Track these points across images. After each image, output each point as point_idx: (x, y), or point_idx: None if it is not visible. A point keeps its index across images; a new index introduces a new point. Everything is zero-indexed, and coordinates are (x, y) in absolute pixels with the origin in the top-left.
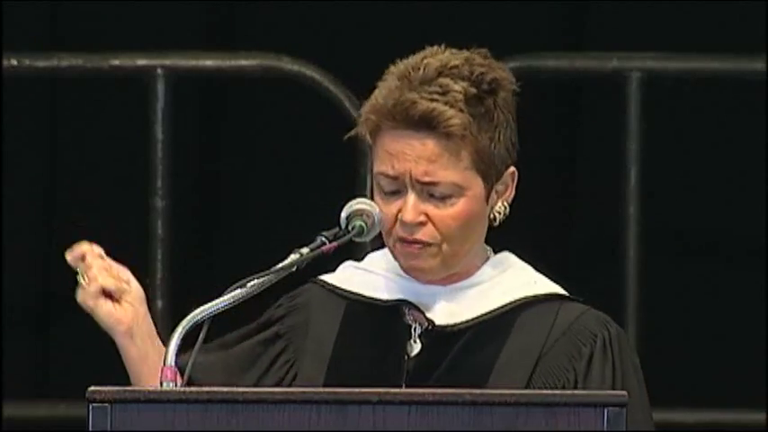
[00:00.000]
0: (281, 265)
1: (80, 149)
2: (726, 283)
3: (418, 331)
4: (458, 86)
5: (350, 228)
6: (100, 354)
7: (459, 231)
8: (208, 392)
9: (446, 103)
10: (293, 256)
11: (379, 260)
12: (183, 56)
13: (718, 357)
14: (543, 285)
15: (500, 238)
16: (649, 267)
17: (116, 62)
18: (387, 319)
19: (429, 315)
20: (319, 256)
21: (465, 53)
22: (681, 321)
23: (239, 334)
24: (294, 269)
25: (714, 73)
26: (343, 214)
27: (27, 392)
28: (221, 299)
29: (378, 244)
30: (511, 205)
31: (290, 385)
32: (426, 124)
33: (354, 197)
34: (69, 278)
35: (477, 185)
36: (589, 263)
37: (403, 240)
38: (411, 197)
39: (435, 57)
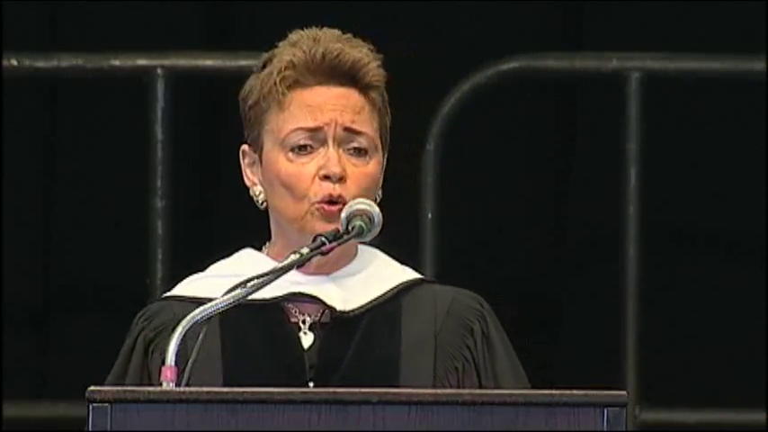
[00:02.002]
0: (281, 265)
1: (80, 149)
2: (726, 282)
3: (308, 322)
4: (364, 48)
5: (350, 228)
6: (100, 354)
7: (368, 194)
8: (208, 392)
9: (368, 55)
10: (293, 256)
11: (240, 265)
12: (183, 56)
13: (718, 357)
14: (411, 272)
15: (500, 237)
16: (649, 267)
17: (116, 62)
18: (271, 317)
19: (328, 301)
20: (319, 256)
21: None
22: (681, 321)
23: (118, 375)
24: (294, 269)
25: (714, 73)
26: (343, 214)
27: (27, 392)
28: (221, 299)
29: (376, 243)
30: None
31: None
32: (353, 75)
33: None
34: (69, 278)
35: (380, 153)
36: (589, 263)
37: (324, 201)
38: (332, 150)
39: (316, 29)
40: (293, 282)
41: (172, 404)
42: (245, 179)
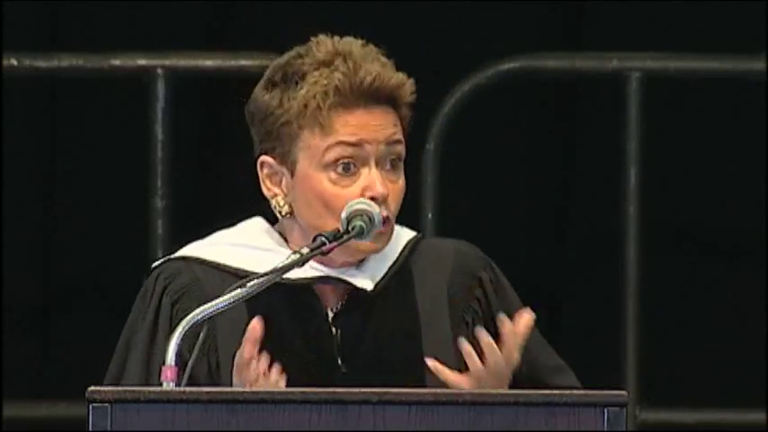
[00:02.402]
0: (281, 265)
1: (80, 149)
2: (726, 282)
3: (334, 305)
4: (388, 61)
5: (350, 228)
6: (100, 354)
7: (398, 208)
8: (208, 392)
9: (402, 74)
10: (293, 256)
11: (256, 237)
12: (183, 56)
13: (718, 357)
14: (408, 231)
15: (500, 237)
16: (649, 267)
17: (116, 62)
18: (300, 297)
19: (356, 284)
20: (319, 255)
21: None
22: (681, 321)
23: (145, 341)
24: (294, 269)
25: (714, 73)
26: (343, 214)
27: (27, 392)
28: (221, 299)
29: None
30: None
31: (216, 371)
32: (394, 96)
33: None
34: (69, 278)
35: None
36: (589, 263)
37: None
38: (375, 171)
39: (343, 38)
40: (317, 268)
41: (172, 404)
42: (264, 190)
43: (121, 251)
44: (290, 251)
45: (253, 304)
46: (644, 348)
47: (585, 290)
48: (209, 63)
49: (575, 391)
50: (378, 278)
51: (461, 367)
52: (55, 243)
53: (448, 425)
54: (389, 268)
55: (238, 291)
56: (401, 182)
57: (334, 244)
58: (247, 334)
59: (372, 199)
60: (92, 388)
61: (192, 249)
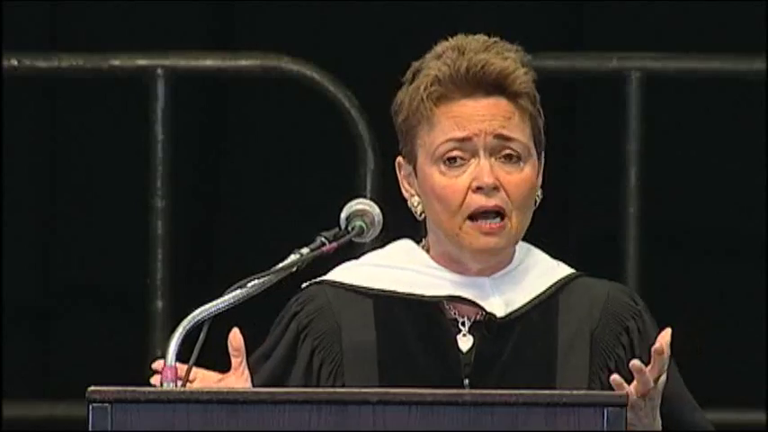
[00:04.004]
0: (281, 265)
1: (80, 149)
2: (726, 282)
3: (467, 324)
4: (512, 53)
5: (350, 228)
6: (100, 354)
7: (527, 200)
8: (208, 392)
9: (515, 62)
10: (293, 257)
11: (400, 256)
12: (183, 56)
13: (718, 357)
14: (565, 267)
15: None
16: (649, 267)
17: (116, 62)
18: (429, 315)
19: (487, 307)
20: (319, 256)
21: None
22: (680, 321)
23: (263, 356)
24: (294, 269)
25: (714, 73)
26: (343, 214)
27: (27, 392)
28: (221, 299)
29: (377, 245)
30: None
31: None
32: (499, 84)
33: (354, 197)
34: (69, 278)
35: (534, 155)
36: (589, 263)
37: (478, 215)
38: (484, 161)
39: (466, 36)
40: (454, 282)
41: (172, 404)
42: (403, 191)
43: (121, 251)
44: (432, 267)
45: (382, 321)
46: None
47: None
48: (209, 63)
49: (575, 391)
50: (515, 306)
51: None
52: (55, 243)
53: (448, 425)
54: (532, 300)
55: (238, 291)
56: (524, 173)
57: (334, 244)
58: (230, 344)
59: (479, 189)
60: (92, 388)
61: (335, 272)
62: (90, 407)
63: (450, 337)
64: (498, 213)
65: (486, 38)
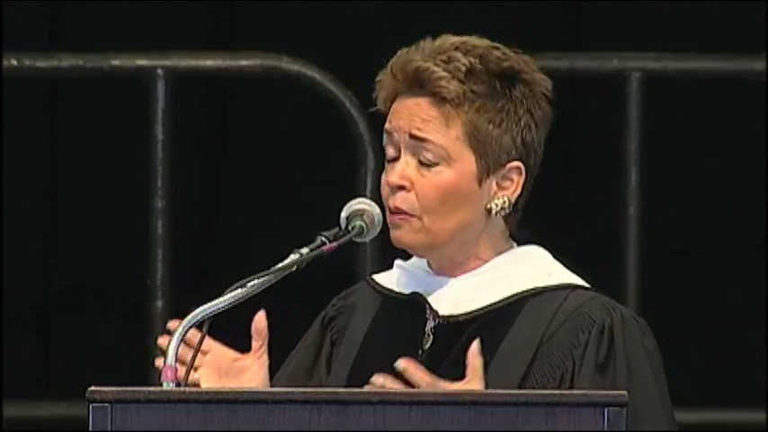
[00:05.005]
0: (281, 264)
1: (80, 149)
2: (726, 282)
3: (430, 324)
4: (464, 60)
5: (350, 228)
6: (100, 354)
7: (439, 205)
8: (208, 392)
9: (445, 69)
10: (293, 256)
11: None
12: (183, 56)
13: (718, 357)
14: (557, 276)
15: None
16: (649, 267)
17: (116, 62)
18: (409, 312)
19: (435, 305)
20: (319, 256)
21: (497, 44)
22: (681, 321)
23: (296, 349)
24: (294, 269)
25: (714, 73)
26: (344, 214)
27: (27, 392)
28: (221, 299)
29: (378, 244)
30: (516, 205)
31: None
32: (419, 83)
33: (354, 197)
34: (70, 278)
35: (468, 162)
36: (589, 263)
37: (389, 209)
38: (401, 161)
39: (462, 37)
40: (422, 281)
41: (172, 404)
42: None
43: (121, 251)
44: (419, 267)
45: (377, 319)
46: None
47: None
48: (209, 63)
49: (575, 391)
50: (469, 308)
51: None
52: (55, 243)
53: (448, 425)
54: (490, 304)
55: (238, 291)
56: (437, 178)
57: (335, 244)
58: (254, 326)
59: (389, 189)
60: (92, 388)
61: (387, 272)
62: (90, 407)
63: (417, 336)
64: (402, 212)
65: (477, 40)
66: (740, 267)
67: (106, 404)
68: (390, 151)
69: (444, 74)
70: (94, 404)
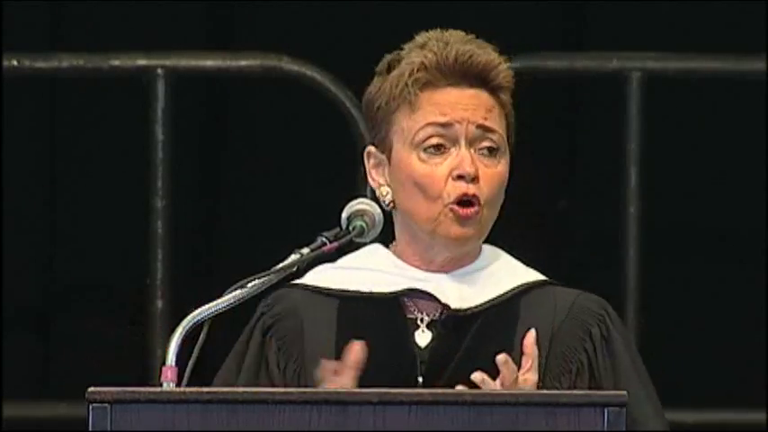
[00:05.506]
0: (281, 265)
1: (80, 149)
2: (726, 282)
3: (426, 320)
4: (490, 49)
5: (350, 228)
6: (100, 354)
7: (497, 196)
8: (208, 392)
9: (498, 57)
10: (293, 257)
11: (367, 258)
12: (183, 56)
13: (718, 357)
14: (535, 273)
15: (501, 237)
16: (649, 267)
17: (116, 62)
18: (386, 311)
19: (444, 300)
20: (320, 256)
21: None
22: (681, 321)
23: (235, 364)
24: (294, 269)
25: (714, 73)
26: (344, 214)
27: (27, 392)
28: (221, 299)
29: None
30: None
31: (295, 377)
32: (484, 76)
33: (355, 197)
34: (70, 278)
35: (507, 154)
36: (589, 263)
37: (458, 202)
38: (465, 150)
39: (444, 31)
40: (413, 278)
41: (172, 404)
42: (370, 180)
43: (122, 251)
44: (395, 266)
45: (344, 320)
46: (644, 348)
47: (585, 290)
48: (209, 63)
49: (575, 391)
50: (474, 302)
51: None
52: (55, 243)
53: (448, 425)
54: (492, 299)
55: (238, 291)
56: (499, 168)
57: (335, 244)
58: (348, 358)
59: (460, 177)
60: (92, 388)
61: (306, 276)
62: (90, 407)
63: (407, 334)
64: (477, 202)
65: (462, 33)
66: (740, 267)
67: (106, 404)
68: (438, 141)
69: (504, 64)
70: (94, 404)
